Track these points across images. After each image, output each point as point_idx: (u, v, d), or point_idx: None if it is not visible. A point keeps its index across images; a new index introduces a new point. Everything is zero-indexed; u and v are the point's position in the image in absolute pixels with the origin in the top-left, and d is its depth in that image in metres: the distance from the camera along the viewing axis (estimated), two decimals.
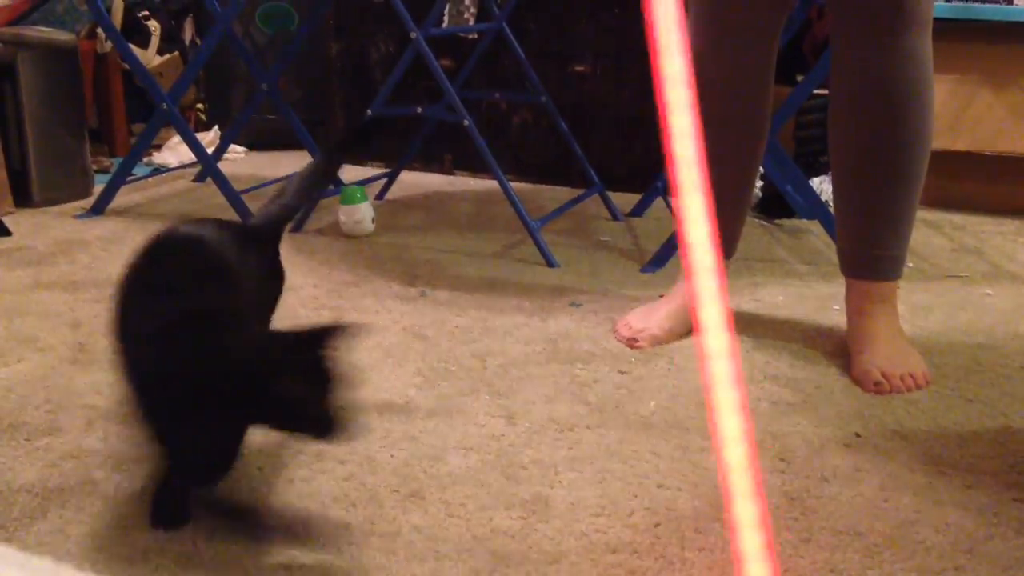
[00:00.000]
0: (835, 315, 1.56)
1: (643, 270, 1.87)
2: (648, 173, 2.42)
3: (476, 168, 2.85)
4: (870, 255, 1.37)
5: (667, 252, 1.89)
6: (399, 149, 2.60)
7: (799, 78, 2.24)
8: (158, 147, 2.99)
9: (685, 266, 0.72)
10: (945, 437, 1.15)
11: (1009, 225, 2.24)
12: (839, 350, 1.42)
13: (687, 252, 0.62)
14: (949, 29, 1.39)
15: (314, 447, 1.10)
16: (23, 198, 2.30)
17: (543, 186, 2.71)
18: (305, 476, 1.03)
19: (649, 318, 1.48)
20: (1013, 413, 1.22)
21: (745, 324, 1.55)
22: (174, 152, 2.95)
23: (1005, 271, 1.88)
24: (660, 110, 0.64)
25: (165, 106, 2.17)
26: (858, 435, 1.15)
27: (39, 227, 2.12)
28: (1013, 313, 1.62)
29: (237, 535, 0.91)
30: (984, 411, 1.23)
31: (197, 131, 2.98)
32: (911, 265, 1.89)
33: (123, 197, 2.34)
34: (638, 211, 2.36)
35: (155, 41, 3.26)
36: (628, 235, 2.17)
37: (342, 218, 2.09)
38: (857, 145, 1.34)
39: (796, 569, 0.88)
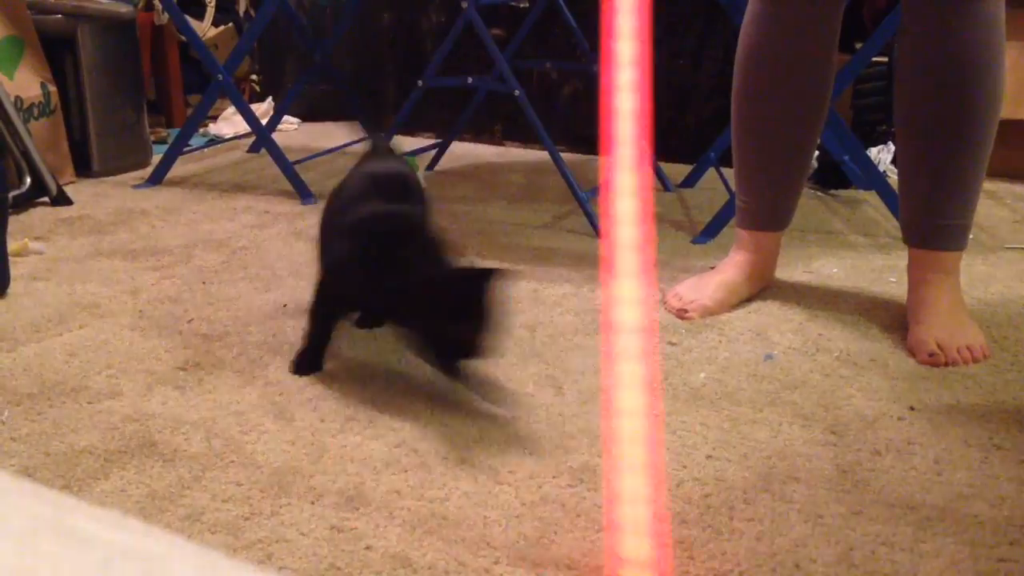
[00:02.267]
0: (891, 287, 1.54)
1: (694, 241, 1.86)
2: (700, 143, 2.40)
3: (526, 138, 2.84)
4: (936, 224, 1.34)
5: (719, 223, 1.87)
6: (450, 120, 2.60)
7: (858, 45, 2.19)
8: (214, 118, 3.04)
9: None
10: (1002, 411, 1.13)
11: None
12: (896, 322, 1.40)
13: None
14: None
15: (365, 414, 1.11)
16: (83, 168, 2.36)
17: (593, 157, 2.69)
18: (356, 442, 1.05)
19: (700, 289, 1.47)
20: None
21: (799, 296, 1.53)
22: (229, 123, 2.99)
23: None
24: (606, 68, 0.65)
25: (220, 77, 2.20)
26: (912, 408, 1.14)
27: (99, 196, 2.17)
28: None
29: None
30: None
31: (251, 102, 3.02)
32: (972, 236, 1.84)
33: (180, 167, 2.38)
34: (689, 182, 2.34)
35: (210, 12, 3.30)
36: (679, 206, 2.15)
37: None
38: (928, 112, 1.31)
39: (846, 541, 0.87)
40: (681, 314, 1.44)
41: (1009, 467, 1.00)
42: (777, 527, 0.89)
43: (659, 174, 2.33)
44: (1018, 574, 0.83)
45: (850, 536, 0.88)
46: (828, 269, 1.68)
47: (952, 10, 1.24)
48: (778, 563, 0.84)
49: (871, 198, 2.12)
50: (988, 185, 2.25)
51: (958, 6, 1.24)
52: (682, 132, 2.61)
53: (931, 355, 1.26)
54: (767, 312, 1.45)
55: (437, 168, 2.53)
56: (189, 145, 2.46)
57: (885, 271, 1.63)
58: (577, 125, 2.79)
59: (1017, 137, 2.28)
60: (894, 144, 2.23)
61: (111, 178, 2.35)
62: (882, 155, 2.27)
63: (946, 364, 1.25)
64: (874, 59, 2.01)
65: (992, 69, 1.26)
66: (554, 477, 0.98)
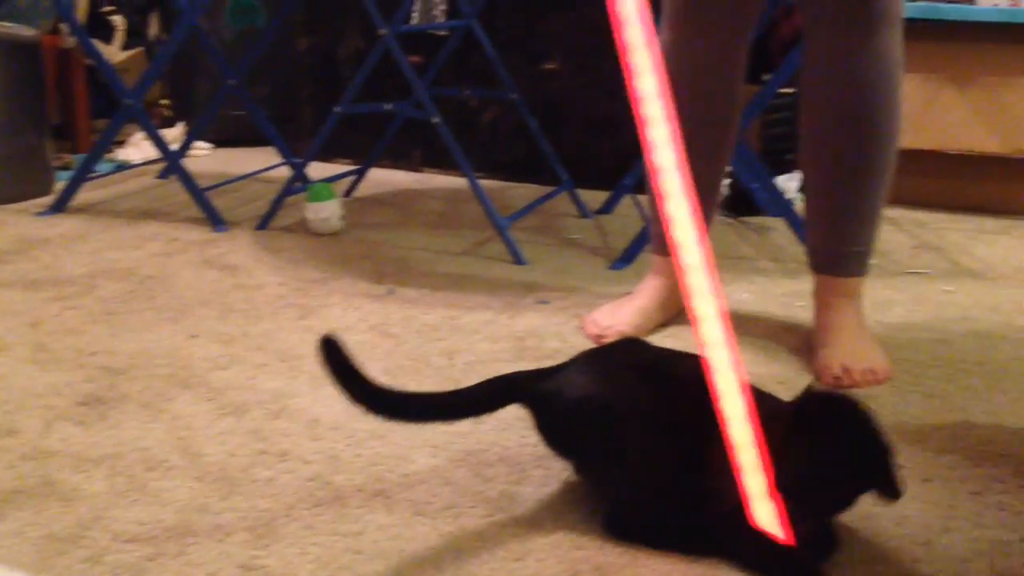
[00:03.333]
0: (799, 311, 1.58)
1: (611, 267, 1.88)
2: (616, 170, 2.43)
3: (445, 165, 2.84)
4: (839, 251, 1.38)
5: (635, 249, 1.89)
6: (368, 146, 2.59)
7: (765, 77, 2.26)
8: (121, 143, 2.96)
9: (676, 264, 0.78)
10: (904, 432, 1.17)
11: (968, 223, 2.28)
12: (803, 345, 1.43)
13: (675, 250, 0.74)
14: (914, 28, 1.41)
15: (278, 447, 1.09)
16: None
17: (512, 184, 2.71)
18: (269, 476, 1.03)
19: (617, 315, 1.49)
20: (971, 408, 1.24)
21: None
22: (138, 148, 2.92)
23: (964, 268, 1.91)
24: (637, 121, 0.70)
25: (129, 102, 2.15)
26: None
27: None
28: (971, 309, 1.64)
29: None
30: (942, 406, 1.24)
31: (161, 128, 2.95)
32: (873, 261, 1.91)
33: (85, 194, 2.31)
34: (607, 208, 2.37)
35: (120, 36, 3.22)
36: (597, 232, 2.17)
37: (309, 215, 2.08)
38: (829, 142, 1.35)
39: None
40: (598, 340, 1.45)
41: (912, 486, 1.03)
42: (690, 556, 0.90)
43: (577, 201, 2.35)
44: None
45: None
46: (739, 294, 1.71)
47: (850, 43, 1.29)
48: None
49: (780, 225, 2.18)
50: (889, 212, 2.33)
51: (856, 39, 1.28)
52: (599, 159, 2.64)
53: (835, 378, 1.30)
54: (682, 336, 1.48)
55: (355, 194, 2.51)
56: (95, 171, 2.39)
57: (793, 296, 1.68)
58: (496, 152, 2.80)
59: (916, 165, 2.38)
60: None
61: (11, 205, 2.27)
62: (789, 183, 2.33)
63: (850, 386, 1.29)
64: (781, 90, 2.07)
65: (890, 101, 1.31)
66: (472, 507, 0.98)
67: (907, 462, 1.09)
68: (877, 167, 1.33)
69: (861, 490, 0.87)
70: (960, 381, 1.32)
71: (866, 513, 0.97)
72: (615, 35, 0.61)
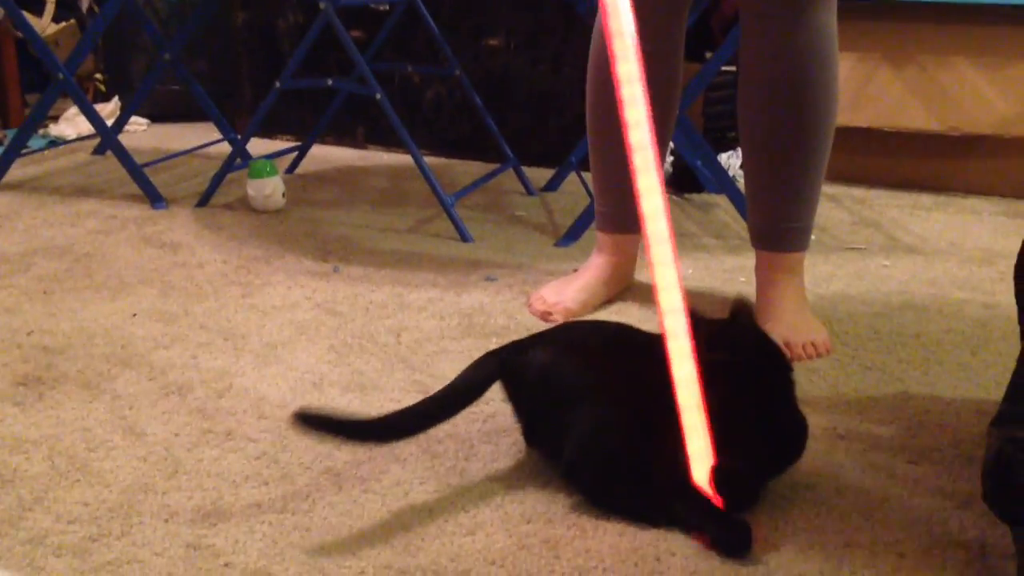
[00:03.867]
0: (742, 286, 1.60)
1: (557, 244, 1.88)
2: (562, 148, 2.43)
3: (389, 142, 2.82)
4: (779, 227, 1.40)
5: (581, 226, 1.90)
6: (310, 122, 2.55)
7: (708, 55, 2.27)
8: (55, 119, 2.87)
9: (644, 239, 0.85)
10: (845, 403, 1.19)
11: (905, 199, 2.33)
12: None
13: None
14: (851, 7, 1.44)
15: (224, 425, 1.08)
16: None
17: (457, 161, 2.70)
18: (213, 456, 1.01)
19: (563, 291, 1.49)
20: (908, 379, 1.27)
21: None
22: (71, 124, 2.84)
23: (901, 243, 1.95)
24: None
25: (61, 76, 2.08)
26: None
27: None
28: (908, 283, 1.68)
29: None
30: (882, 378, 1.28)
31: (96, 102, 2.87)
32: (813, 237, 1.94)
33: (17, 170, 2.24)
34: (552, 186, 2.37)
35: (50, 8, 3.11)
36: (542, 209, 2.18)
37: (251, 192, 2.05)
38: (766, 120, 1.37)
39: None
40: (545, 316, 1.45)
41: (852, 456, 1.06)
42: (639, 523, 0.91)
43: (522, 178, 2.35)
44: (862, 558, 0.87)
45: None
46: (683, 270, 1.73)
47: (785, 21, 1.30)
48: (640, 557, 0.86)
49: (722, 201, 2.20)
50: (828, 189, 2.38)
51: (791, 17, 1.30)
52: (544, 137, 2.64)
53: None
54: (627, 313, 1.49)
55: (297, 171, 2.47)
56: (27, 147, 2.32)
57: (736, 271, 1.70)
58: (441, 129, 2.78)
59: (854, 143, 2.43)
60: None
61: None
62: (732, 160, 2.36)
63: (792, 360, 1.31)
64: (723, 68, 2.09)
65: (826, 78, 1.33)
66: (421, 484, 0.98)
67: (847, 433, 1.11)
68: (814, 142, 1.35)
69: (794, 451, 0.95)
70: (898, 353, 1.36)
71: (807, 483, 1.00)
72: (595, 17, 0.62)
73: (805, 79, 1.32)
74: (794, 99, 1.33)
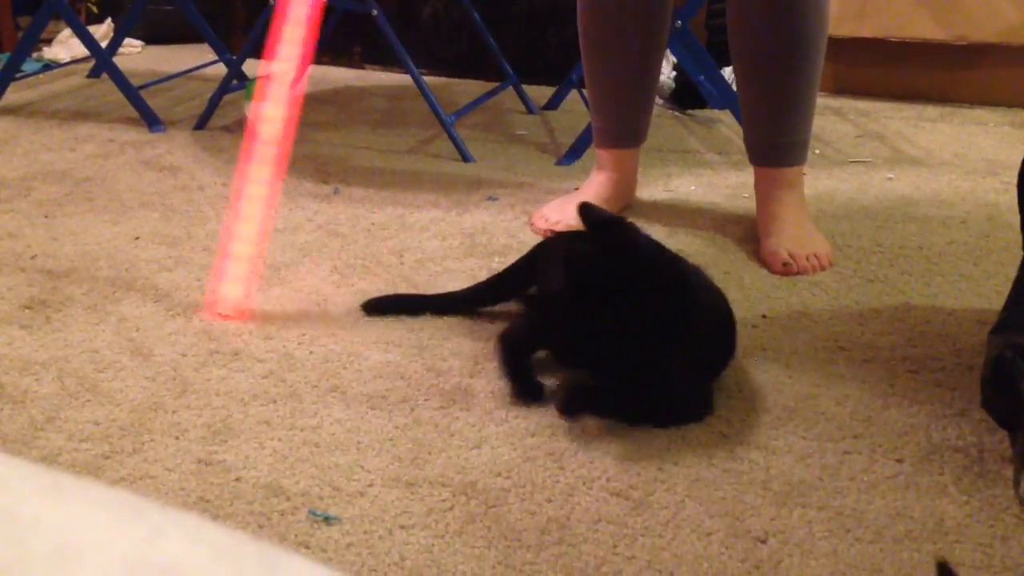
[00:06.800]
0: (745, 202, 1.60)
1: (559, 163, 1.87)
2: (563, 66, 2.40)
3: (387, 62, 2.77)
4: (773, 142, 1.39)
5: (582, 144, 1.88)
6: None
7: None
8: (48, 41, 2.82)
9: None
10: (847, 315, 1.20)
11: (910, 111, 2.30)
12: (749, 236, 1.46)
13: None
14: None
15: (230, 346, 1.09)
16: None
17: (456, 80, 2.66)
18: (221, 375, 1.02)
19: (565, 209, 1.48)
20: (910, 291, 1.28)
21: (659, 213, 1.57)
22: (65, 46, 2.79)
23: (906, 155, 1.94)
24: None
25: None
26: (764, 316, 1.20)
27: None
28: (912, 195, 1.68)
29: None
30: (883, 290, 1.28)
31: (89, 25, 2.81)
32: (817, 151, 1.93)
33: (12, 95, 2.21)
34: (553, 104, 2.35)
35: None
36: (543, 128, 2.16)
37: (248, 114, 2.02)
38: (755, 33, 1.35)
39: (700, 439, 0.92)
40: (547, 235, 1.45)
41: (853, 367, 1.07)
42: (643, 436, 0.93)
43: (523, 96, 2.32)
44: (860, 464, 0.89)
45: (705, 433, 0.93)
46: (686, 187, 1.72)
47: None
48: (642, 468, 0.88)
49: (726, 117, 2.18)
50: (832, 101, 2.35)
51: None
52: (544, 54, 2.60)
53: (784, 265, 1.32)
54: None
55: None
56: (22, 71, 2.29)
57: (739, 187, 1.69)
58: (439, 47, 2.74)
59: (859, 54, 2.39)
60: None
61: None
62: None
63: (797, 273, 1.32)
64: None
65: None
66: (426, 400, 0.99)
67: (848, 344, 1.12)
68: (806, 55, 1.33)
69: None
70: (900, 265, 1.36)
71: (807, 394, 1.01)
72: None
73: None
74: (783, 10, 1.30)
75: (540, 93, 2.36)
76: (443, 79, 2.67)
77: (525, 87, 2.34)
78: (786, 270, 1.32)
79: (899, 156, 1.93)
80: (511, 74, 2.31)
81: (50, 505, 0.22)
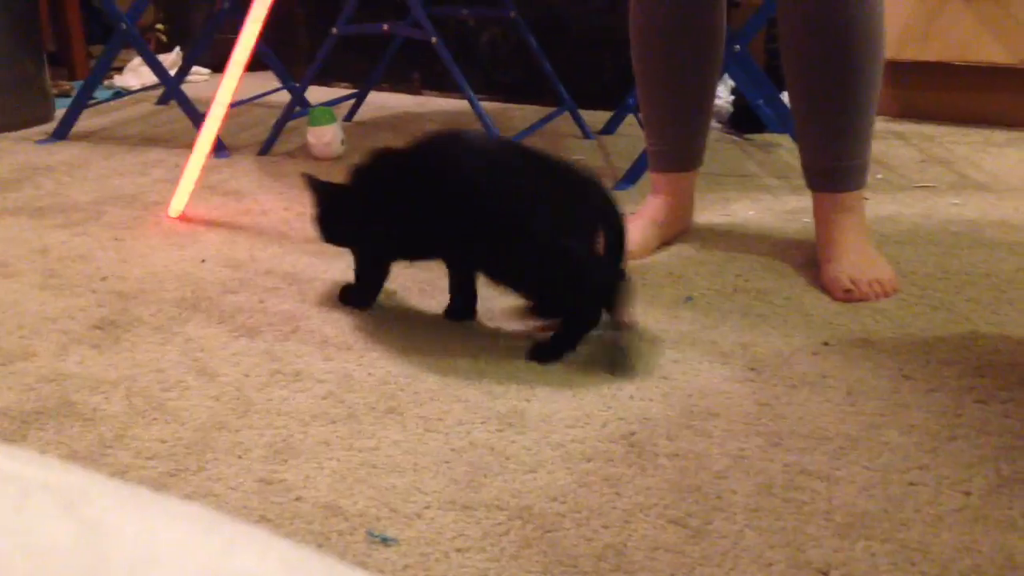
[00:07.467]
0: (804, 227, 1.58)
1: (616, 187, 1.87)
2: (619, 90, 2.40)
3: (445, 87, 2.81)
4: (831, 167, 1.38)
5: (639, 169, 1.88)
6: (366, 69, 2.55)
7: None
8: (119, 70, 2.92)
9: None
10: (911, 343, 1.18)
11: (976, 135, 2.26)
12: (809, 261, 1.44)
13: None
14: None
15: (292, 367, 1.10)
16: None
17: (512, 105, 2.68)
18: (283, 396, 1.04)
19: None
20: (977, 319, 1.25)
21: (717, 238, 1.56)
22: (135, 74, 2.89)
23: (971, 180, 1.90)
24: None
25: (124, 26, 2.12)
26: (826, 344, 1.18)
27: (0, 152, 2.08)
28: (978, 221, 1.64)
29: None
30: (949, 317, 1.25)
31: (158, 53, 2.91)
32: (880, 176, 1.90)
33: (85, 121, 2.29)
34: (609, 129, 2.35)
35: None
36: (599, 153, 2.16)
37: (311, 140, 2.07)
38: (807, 57, 1.34)
39: (765, 472, 0.91)
40: None
41: (918, 396, 1.05)
42: (700, 461, 0.92)
43: (579, 121, 2.33)
44: (926, 496, 0.87)
45: (769, 467, 0.92)
46: (744, 212, 1.71)
47: None
48: (701, 495, 0.87)
49: (785, 141, 2.16)
50: (896, 125, 2.32)
51: None
52: (600, 79, 2.61)
53: (846, 291, 1.31)
54: (686, 255, 1.48)
55: (355, 119, 2.49)
56: (94, 98, 2.37)
57: (798, 212, 1.67)
58: (496, 72, 2.77)
59: (923, 79, 2.35)
60: None
61: (12, 133, 2.25)
62: None
63: (859, 299, 1.30)
64: None
65: (866, 12, 1.29)
66: (483, 422, 0.99)
67: (913, 373, 1.10)
68: (862, 80, 1.32)
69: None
70: (966, 292, 1.33)
71: (871, 423, 0.99)
72: None
73: (849, 14, 1.28)
74: (838, 36, 1.29)
75: (596, 118, 2.37)
76: (500, 104, 2.70)
77: (581, 112, 2.35)
78: (848, 296, 1.30)
79: (965, 181, 1.90)
80: (567, 99, 2.33)
81: (131, 517, 0.23)
